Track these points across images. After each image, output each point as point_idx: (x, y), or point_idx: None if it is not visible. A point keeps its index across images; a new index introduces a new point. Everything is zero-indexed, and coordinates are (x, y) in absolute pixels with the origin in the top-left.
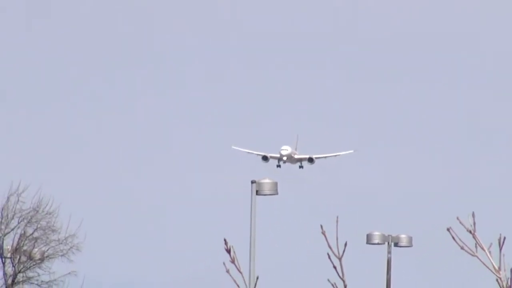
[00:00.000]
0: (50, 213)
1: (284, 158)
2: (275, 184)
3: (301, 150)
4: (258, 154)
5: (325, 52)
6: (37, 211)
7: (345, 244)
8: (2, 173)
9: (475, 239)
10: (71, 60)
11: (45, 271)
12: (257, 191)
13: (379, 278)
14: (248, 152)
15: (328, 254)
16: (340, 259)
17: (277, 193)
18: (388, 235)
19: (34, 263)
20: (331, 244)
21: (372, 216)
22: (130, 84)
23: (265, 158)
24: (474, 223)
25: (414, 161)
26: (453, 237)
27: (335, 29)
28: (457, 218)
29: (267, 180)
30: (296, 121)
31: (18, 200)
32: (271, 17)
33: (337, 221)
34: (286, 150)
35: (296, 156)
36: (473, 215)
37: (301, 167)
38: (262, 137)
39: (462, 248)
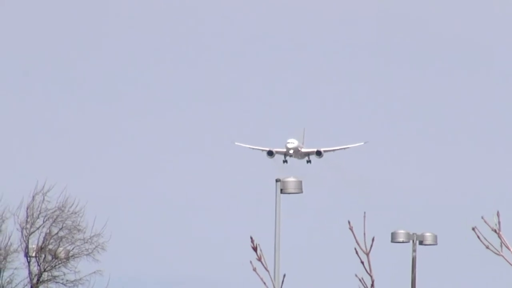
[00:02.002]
0: (75, 213)
1: (291, 152)
2: (300, 182)
3: (308, 144)
4: (262, 150)
5: (330, 42)
6: (63, 210)
7: (373, 239)
8: (27, 172)
9: (500, 238)
10: (92, 58)
11: (70, 270)
12: (281, 190)
13: (404, 277)
14: (252, 148)
15: (355, 249)
16: (367, 254)
17: (302, 192)
18: (413, 233)
19: (60, 262)
20: (358, 239)
21: (396, 214)
22: (141, 85)
23: (270, 153)
24: (499, 222)
25: (434, 156)
26: (478, 237)
27: (339, 19)
28: (482, 218)
29: (291, 179)
30: (302, 114)
31: (43, 199)
32: (273, 13)
33: (364, 217)
34: (292, 143)
35: (303, 150)
36: (498, 214)
37: (308, 161)
38: (266, 132)
39: (487, 247)
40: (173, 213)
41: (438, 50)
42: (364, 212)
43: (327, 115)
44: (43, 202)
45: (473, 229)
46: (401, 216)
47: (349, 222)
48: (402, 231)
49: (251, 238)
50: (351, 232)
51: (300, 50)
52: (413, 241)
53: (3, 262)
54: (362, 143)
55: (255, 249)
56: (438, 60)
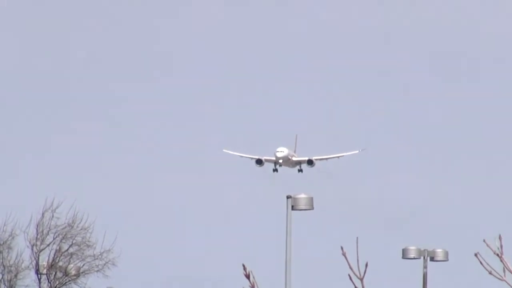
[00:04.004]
0: (85, 229)
1: (280, 161)
2: (311, 199)
3: (301, 151)
4: (252, 158)
5: (325, 48)
6: (72, 227)
7: (366, 265)
8: (36, 189)
9: (502, 262)
10: (99, 74)
11: (81, 287)
12: (292, 206)
13: None
14: (241, 156)
15: (349, 275)
16: (361, 279)
17: (312, 208)
18: (424, 250)
19: (70, 279)
20: (360, 264)
21: (406, 230)
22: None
23: (259, 162)
24: (501, 246)
25: (438, 166)
26: (480, 262)
27: (336, 24)
28: (484, 241)
29: (302, 195)
30: (294, 120)
31: (52, 216)
32: (268, 15)
33: (357, 242)
34: (282, 152)
35: (294, 159)
36: (500, 238)
37: (300, 170)
38: (256, 138)
39: (490, 273)
40: (179, 226)
41: (436, 55)
42: (357, 238)
43: (321, 121)
44: (52, 218)
45: (475, 255)
46: (411, 231)
47: (342, 248)
48: (413, 248)
49: (244, 265)
50: (357, 251)
51: (294, 56)
52: (424, 257)
53: (14, 279)
54: (357, 151)
55: (247, 276)
56: (438, 65)
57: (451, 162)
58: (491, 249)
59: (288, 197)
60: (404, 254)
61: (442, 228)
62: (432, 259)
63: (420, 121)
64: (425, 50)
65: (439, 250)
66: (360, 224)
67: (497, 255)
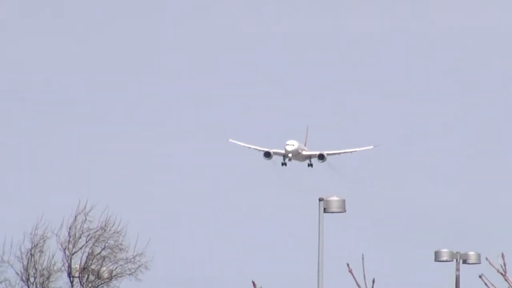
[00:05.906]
0: (117, 232)
1: (290, 155)
2: (343, 201)
3: (311, 145)
4: (260, 150)
5: (340, 41)
6: (105, 230)
7: (373, 281)
8: (69, 192)
9: (507, 281)
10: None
11: None
12: (324, 209)
13: None
14: (248, 147)
15: None
16: None
17: (345, 211)
18: (457, 252)
19: (102, 282)
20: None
21: (438, 232)
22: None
23: (267, 155)
24: (505, 264)
25: (458, 163)
26: (485, 284)
27: (347, 17)
28: (486, 259)
29: (335, 198)
30: (305, 111)
31: (85, 219)
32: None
33: (362, 258)
34: (292, 145)
35: (304, 153)
36: (502, 256)
37: (310, 165)
38: (265, 129)
39: None
40: (208, 229)
41: (447, 51)
42: (362, 254)
43: (333, 115)
44: (85, 222)
45: (480, 276)
46: (443, 234)
47: (348, 265)
48: (445, 250)
49: (253, 282)
50: (363, 267)
51: (307, 49)
52: (456, 260)
53: (46, 282)
54: (371, 147)
55: None
56: (452, 60)
57: (483, 162)
58: (494, 267)
59: (320, 200)
60: (437, 256)
61: (475, 230)
62: (464, 261)
63: (441, 117)
64: (441, 49)
65: (471, 253)
66: (392, 227)
67: (501, 273)
